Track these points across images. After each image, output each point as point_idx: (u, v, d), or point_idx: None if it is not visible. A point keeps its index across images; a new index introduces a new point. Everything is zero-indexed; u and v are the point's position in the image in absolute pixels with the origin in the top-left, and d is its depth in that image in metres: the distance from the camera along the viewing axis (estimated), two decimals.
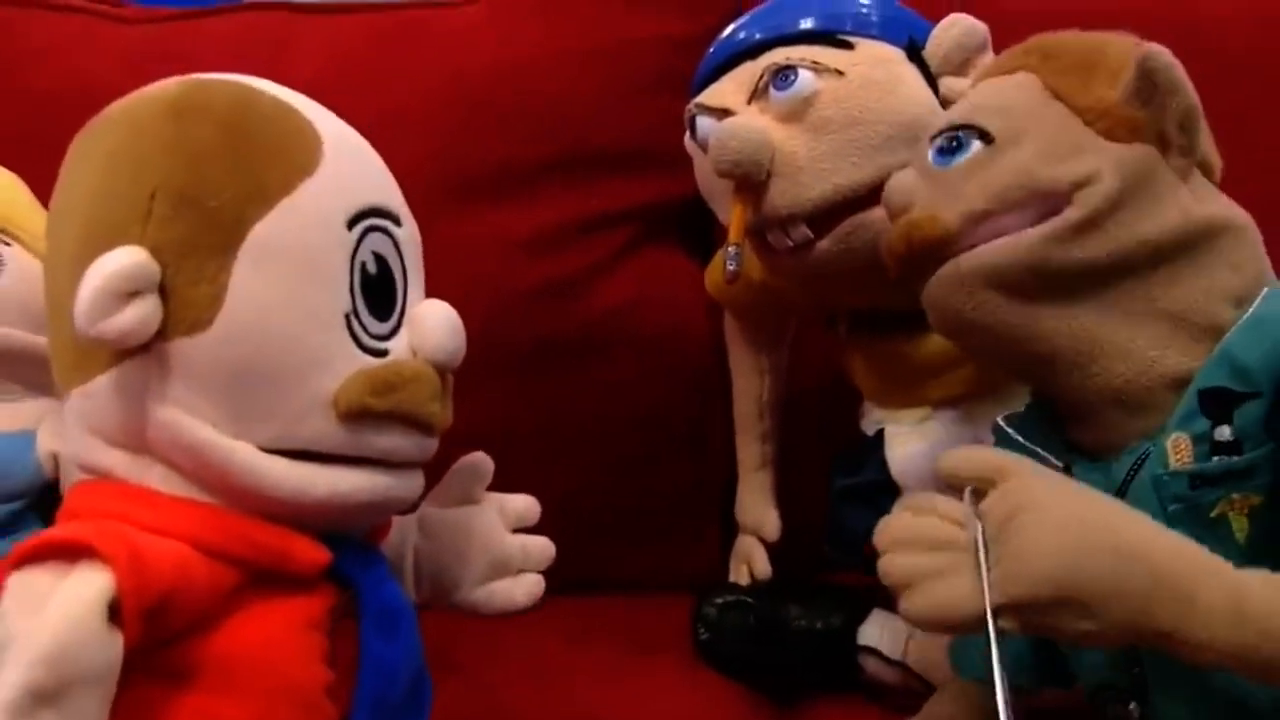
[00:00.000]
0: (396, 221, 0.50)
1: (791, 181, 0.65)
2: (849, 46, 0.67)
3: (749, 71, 0.68)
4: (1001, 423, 0.58)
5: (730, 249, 0.67)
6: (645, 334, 0.90)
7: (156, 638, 0.42)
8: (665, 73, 0.81)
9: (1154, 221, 0.51)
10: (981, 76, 0.60)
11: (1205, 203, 0.52)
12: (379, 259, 0.48)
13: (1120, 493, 0.51)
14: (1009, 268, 0.51)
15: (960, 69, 0.66)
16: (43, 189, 0.76)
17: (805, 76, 0.65)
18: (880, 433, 0.72)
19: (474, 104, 0.90)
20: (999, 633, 0.43)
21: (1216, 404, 0.48)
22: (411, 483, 0.51)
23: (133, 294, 0.43)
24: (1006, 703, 0.44)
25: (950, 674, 0.61)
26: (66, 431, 0.49)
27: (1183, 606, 0.42)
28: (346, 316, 0.47)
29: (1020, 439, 0.56)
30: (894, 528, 0.48)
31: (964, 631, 0.45)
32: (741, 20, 0.72)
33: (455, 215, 0.87)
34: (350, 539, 0.50)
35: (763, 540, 0.82)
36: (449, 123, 0.90)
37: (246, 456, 0.45)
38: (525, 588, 0.59)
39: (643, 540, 0.93)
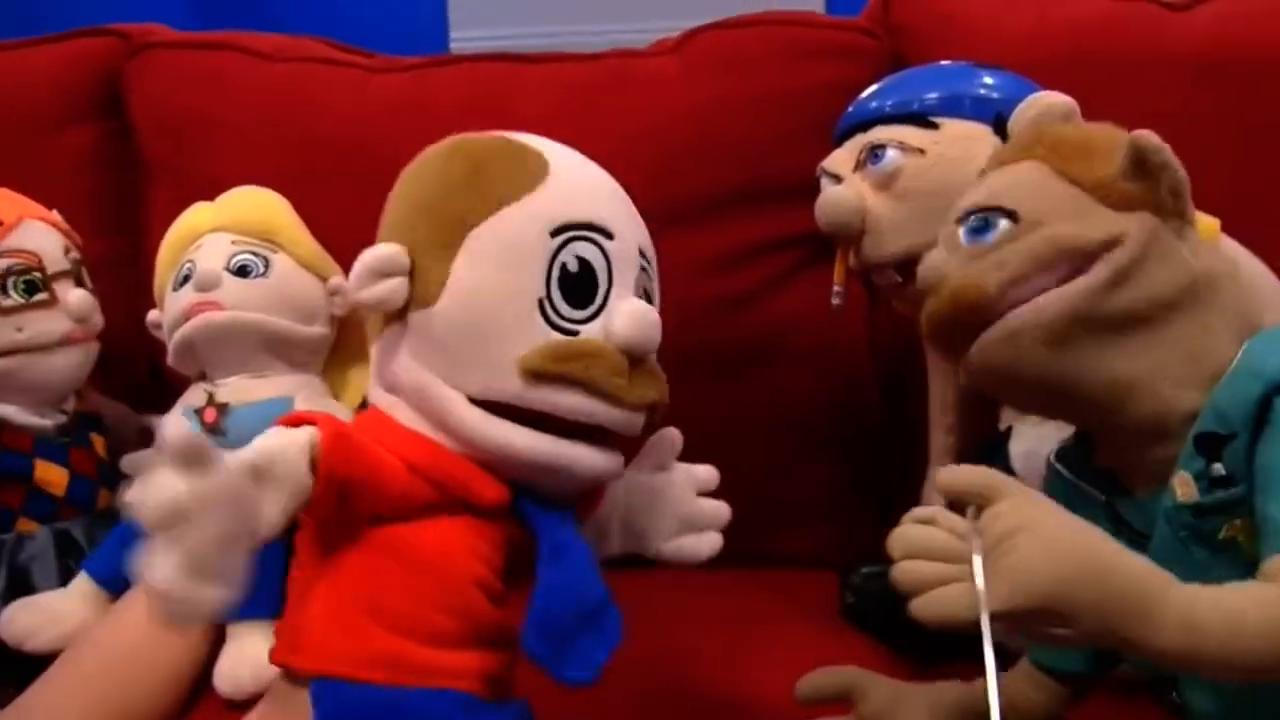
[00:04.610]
0: (608, 236, 0.58)
1: (877, 238, 0.77)
2: (935, 127, 0.77)
3: (858, 143, 0.79)
4: (1053, 460, 0.62)
5: (835, 287, 0.80)
6: (809, 345, 0.96)
7: (352, 511, 0.53)
8: (830, 114, 0.85)
9: (1167, 274, 0.55)
10: (991, 166, 0.64)
11: (1201, 256, 0.57)
12: (582, 261, 0.57)
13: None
14: (1053, 320, 0.55)
15: None
16: (318, 214, 0.90)
17: (892, 155, 0.77)
18: (1010, 429, 0.79)
19: (667, 143, 0.97)
20: (992, 634, 0.46)
21: (1208, 446, 0.53)
22: (598, 457, 0.58)
23: (386, 274, 0.56)
24: (999, 698, 0.47)
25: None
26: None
27: (1141, 620, 0.46)
28: (540, 301, 0.56)
29: (1070, 476, 0.60)
30: (904, 538, 0.50)
31: (963, 632, 0.47)
32: (867, 92, 0.82)
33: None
34: (544, 495, 0.57)
35: None
36: (647, 160, 0.94)
37: (455, 403, 0.56)
38: (708, 543, 0.66)
39: (802, 525, 0.99)
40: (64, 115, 1.09)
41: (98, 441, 0.90)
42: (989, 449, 0.80)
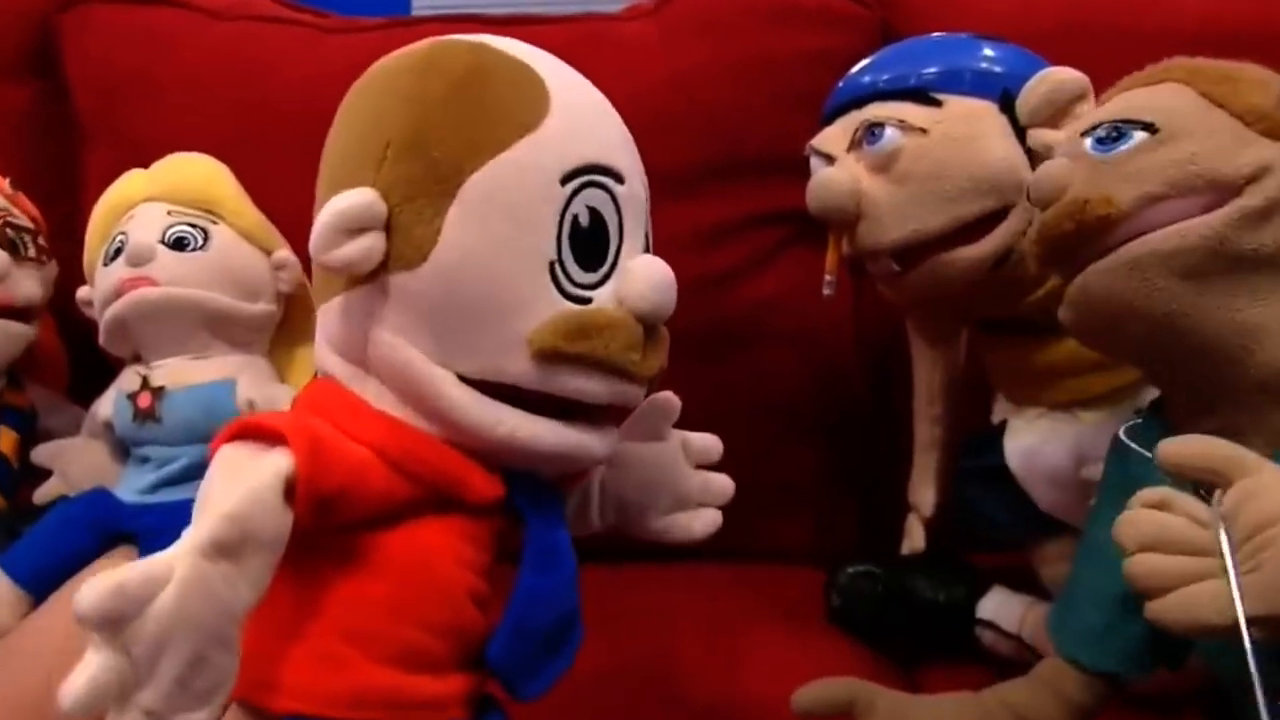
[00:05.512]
0: (618, 179, 0.49)
1: (875, 224, 0.70)
2: (937, 104, 0.70)
3: (852, 121, 0.73)
4: (1123, 435, 0.56)
5: (827, 276, 0.73)
6: (793, 326, 0.93)
7: (330, 524, 0.45)
8: (816, 85, 0.80)
9: None
10: (1123, 89, 0.58)
11: None
12: (593, 213, 0.48)
13: None
14: (1190, 251, 0.50)
15: (1050, 121, 0.66)
16: (264, 183, 0.83)
17: (891, 134, 0.70)
18: (1004, 422, 0.75)
19: (645, 110, 0.84)
20: (1252, 640, 0.40)
21: None
22: (601, 441, 0.50)
23: (360, 230, 0.46)
24: (1268, 706, 0.41)
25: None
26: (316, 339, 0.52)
27: None
28: (551, 264, 0.47)
29: (1146, 453, 0.53)
30: (1137, 526, 0.45)
31: (1214, 638, 0.42)
32: (860, 66, 0.76)
33: None
34: (536, 479, 0.50)
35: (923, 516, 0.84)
36: None
37: (443, 383, 0.47)
38: (703, 521, 0.60)
39: (783, 518, 0.95)
40: None
41: (6, 437, 0.82)
42: (981, 443, 0.77)
